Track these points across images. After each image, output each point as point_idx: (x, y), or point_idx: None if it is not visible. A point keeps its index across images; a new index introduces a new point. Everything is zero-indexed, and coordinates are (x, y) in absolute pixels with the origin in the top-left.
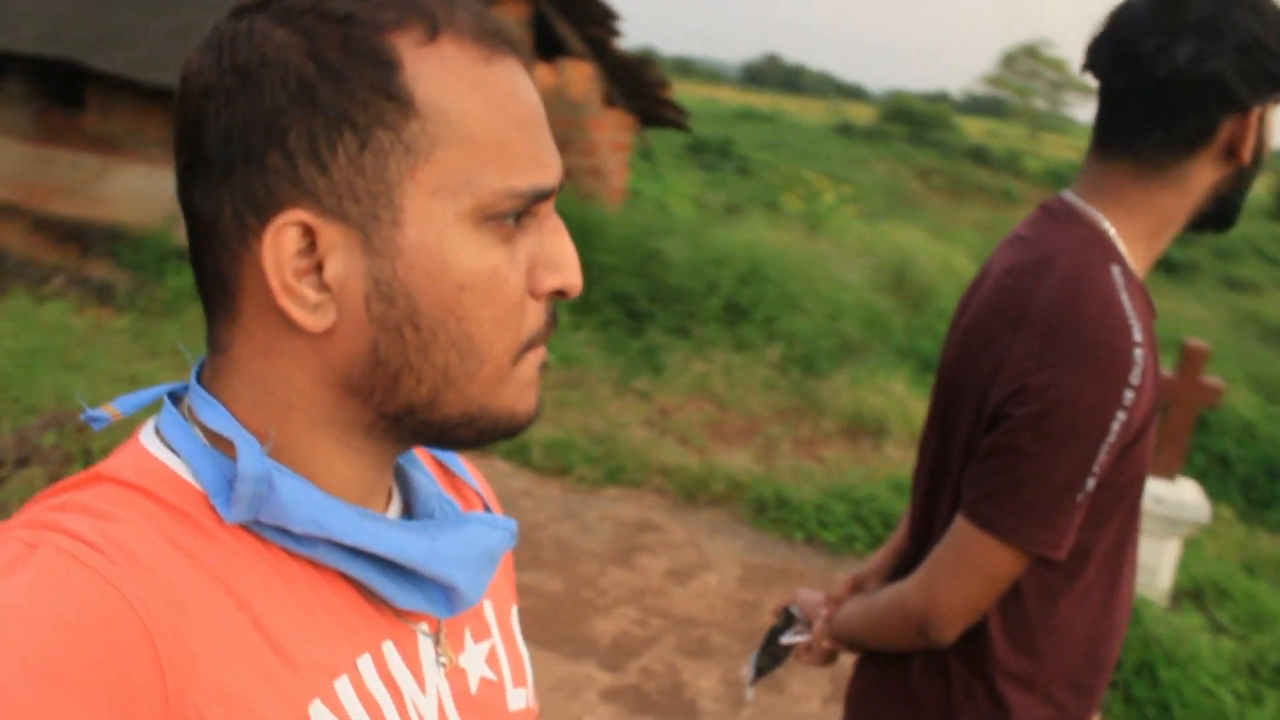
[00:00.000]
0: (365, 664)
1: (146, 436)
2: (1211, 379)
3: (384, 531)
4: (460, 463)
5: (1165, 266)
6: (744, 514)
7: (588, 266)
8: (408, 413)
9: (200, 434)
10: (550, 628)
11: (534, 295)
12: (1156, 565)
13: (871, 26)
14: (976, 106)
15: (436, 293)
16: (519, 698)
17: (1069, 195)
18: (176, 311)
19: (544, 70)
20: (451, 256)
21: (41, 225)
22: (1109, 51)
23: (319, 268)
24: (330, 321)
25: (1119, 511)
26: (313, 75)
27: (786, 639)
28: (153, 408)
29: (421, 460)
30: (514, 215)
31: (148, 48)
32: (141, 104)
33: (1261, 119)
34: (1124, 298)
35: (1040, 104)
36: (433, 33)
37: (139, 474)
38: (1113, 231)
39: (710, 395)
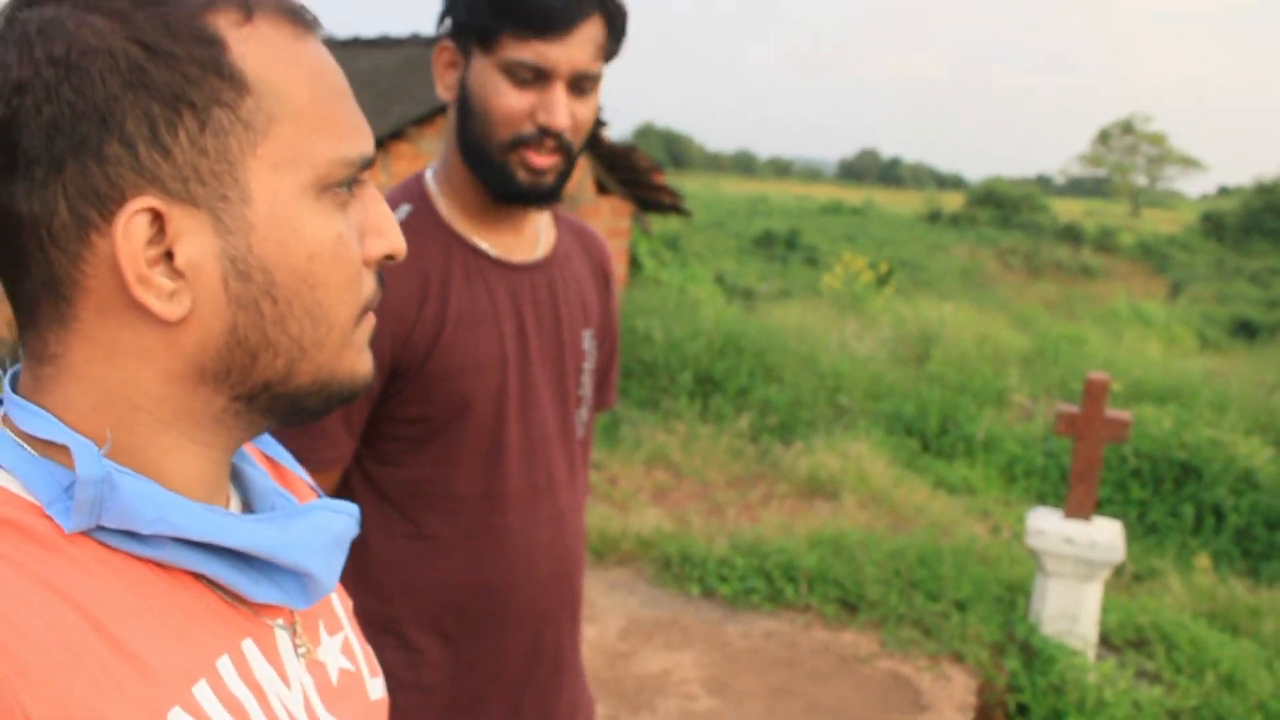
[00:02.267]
0: (224, 665)
1: None
2: (1118, 412)
3: (235, 525)
4: (288, 456)
5: (1246, 330)
6: (647, 571)
7: None
8: (263, 389)
9: (26, 445)
10: None
11: (365, 262)
12: (1077, 611)
13: (971, 117)
14: (1078, 188)
15: (290, 263)
16: (377, 687)
17: None
18: None
19: None
20: (301, 226)
21: None
22: None
23: (168, 255)
24: (186, 308)
25: (447, 452)
26: (142, 59)
27: None
28: None
29: (252, 456)
30: (347, 184)
31: None
32: None
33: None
34: None
35: (1140, 179)
36: (248, 13)
37: None
38: (428, 175)
39: (667, 464)
